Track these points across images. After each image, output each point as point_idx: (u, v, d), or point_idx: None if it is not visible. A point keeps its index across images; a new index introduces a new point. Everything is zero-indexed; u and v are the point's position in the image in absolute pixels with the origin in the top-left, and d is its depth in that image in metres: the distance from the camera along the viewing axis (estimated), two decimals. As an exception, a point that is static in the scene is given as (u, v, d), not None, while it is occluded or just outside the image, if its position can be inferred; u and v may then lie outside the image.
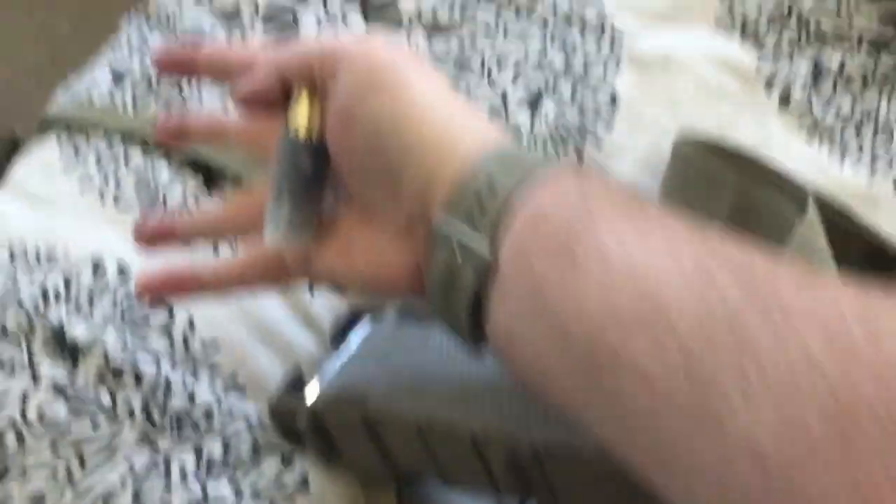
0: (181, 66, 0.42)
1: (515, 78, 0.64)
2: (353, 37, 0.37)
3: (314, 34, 0.66)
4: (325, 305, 0.53)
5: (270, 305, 0.52)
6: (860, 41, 0.68)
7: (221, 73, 0.41)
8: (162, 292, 0.42)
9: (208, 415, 0.48)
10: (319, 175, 0.38)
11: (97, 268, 0.53)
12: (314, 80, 0.36)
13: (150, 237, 0.43)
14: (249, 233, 0.40)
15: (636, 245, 0.27)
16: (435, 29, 0.67)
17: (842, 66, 0.66)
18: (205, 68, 0.42)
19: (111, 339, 0.49)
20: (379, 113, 0.34)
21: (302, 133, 0.37)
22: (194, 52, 0.41)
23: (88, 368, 0.48)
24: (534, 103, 0.62)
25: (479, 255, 0.30)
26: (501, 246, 0.30)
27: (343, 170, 0.37)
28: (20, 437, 0.46)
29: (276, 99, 0.38)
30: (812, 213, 0.45)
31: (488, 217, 0.30)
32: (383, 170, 0.34)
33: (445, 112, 0.34)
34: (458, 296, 0.31)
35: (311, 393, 0.46)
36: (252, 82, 0.39)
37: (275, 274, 0.40)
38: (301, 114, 0.37)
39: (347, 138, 0.35)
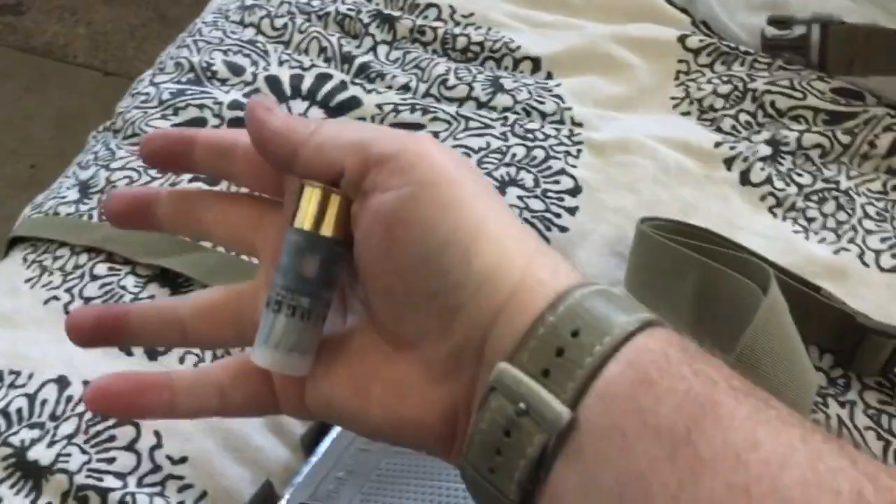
0: (174, 155, 0.34)
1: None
2: (397, 132, 0.30)
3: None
4: (295, 412, 0.52)
5: (239, 415, 0.52)
6: (815, 116, 0.69)
7: (222, 164, 0.34)
8: (119, 405, 0.32)
9: (176, 534, 0.46)
10: (331, 282, 0.31)
11: (62, 386, 0.52)
12: (340, 171, 0.30)
13: (87, 335, 0.33)
14: (229, 342, 0.34)
15: (778, 453, 0.22)
16: (397, 127, 0.68)
17: (799, 141, 0.67)
18: (202, 156, 0.33)
19: (75, 459, 0.48)
20: (440, 227, 0.28)
21: (312, 226, 0.30)
22: (192, 137, 0.34)
23: (52, 492, 0.47)
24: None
25: (551, 417, 0.24)
26: (585, 409, 0.24)
27: (376, 285, 0.29)
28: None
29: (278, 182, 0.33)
30: (775, 292, 0.45)
31: (570, 374, 0.25)
32: (434, 293, 0.28)
33: (516, 236, 0.28)
34: (511, 459, 0.25)
35: (283, 505, 0.45)
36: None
37: (259, 403, 0.32)
38: (313, 201, 0.30)
39: (392, 251, 0.28)
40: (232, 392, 0.32)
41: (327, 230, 0.30)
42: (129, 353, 0.54)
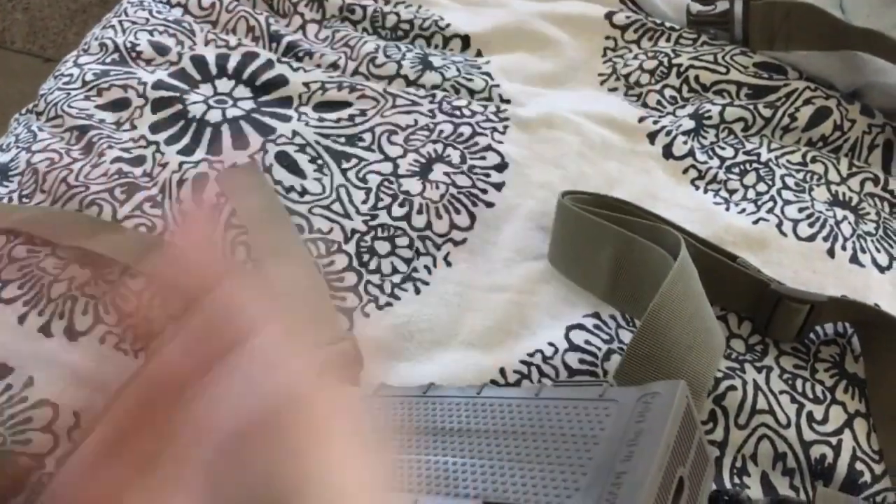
0: None
1: (405, 147, 0.65)
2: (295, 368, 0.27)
3: (201, 112, 0.66)
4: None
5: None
6: (739, 90, 0.71)
7: None
8: None
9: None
10: None
11: (-22, 370, 0.51)
12: None
13: None
14: None
15: None
16: (324, 105, 0.68)
17: (722, 114, 0.68)
18: None
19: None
20: (273, 475, 0.25)
21: None
22: None
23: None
24: (424, 171, 0.63)
25: None
26: None
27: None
28: None
29: None
30: (684, 258, 0.46)
31: None
32: None
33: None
34: None
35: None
36: None
37: None
38: None
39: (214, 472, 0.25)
40: None
41: None
42: (49, 335, 0.53)
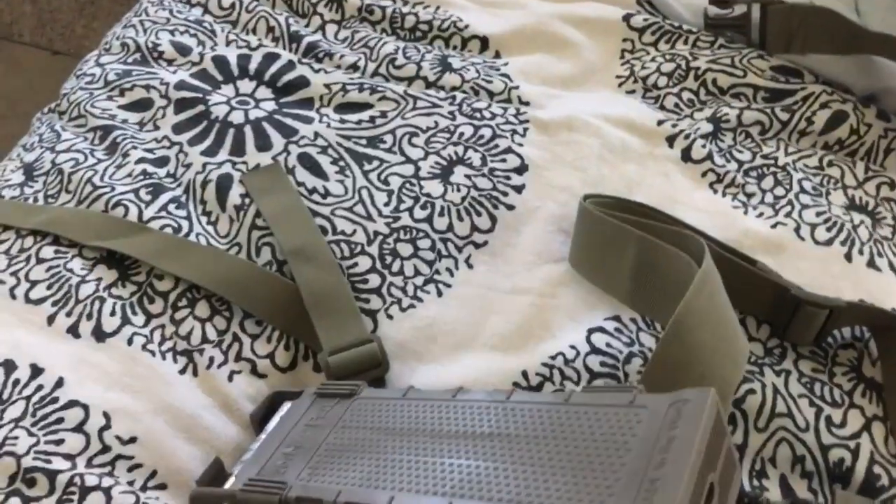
0: None
1: (426, 149, 0.65)
2: None
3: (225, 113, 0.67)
4: (245, 392, 0.53)
5: (189, 395, 0.52)
6: (756, 93, 0.71)
7: None
8: None
9: (127, 514, 0.47)
10: None
11: (8, 369, 0.52)
12: None
13: None
14: None
15: None
16: (345, 107, 0.69)
17: (739, 118, 0.69)
18: None
19: (22, 442, 0.48)
20: None
21: None
22: None
23: None
24: (446, 173, 0.64)
25: None
26: None
27: None
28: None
29: None
30: (708, 264, 0.47)
31: None
32: None
33: None
34: None
35: (232, 484, 0.45)
36: None
37: None
38: None
39: None
40: None
41: None
42: (77, 336, 0.54)
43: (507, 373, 0.53)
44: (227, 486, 0.45)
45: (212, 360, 0.54)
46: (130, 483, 0.48)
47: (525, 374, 0.53)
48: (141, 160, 0.64)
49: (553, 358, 0.53)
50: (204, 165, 0.63)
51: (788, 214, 0.63)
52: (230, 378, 0.53)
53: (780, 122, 0.69)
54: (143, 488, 0.48)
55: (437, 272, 0.59)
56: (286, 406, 0.50)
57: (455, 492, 0.38)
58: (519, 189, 0.64)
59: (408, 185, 0.63)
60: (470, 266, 0.59)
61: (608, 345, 0.54)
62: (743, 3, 0.75)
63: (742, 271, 0.55)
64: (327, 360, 0.51)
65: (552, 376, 0.53)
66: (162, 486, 0.49)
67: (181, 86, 0.69)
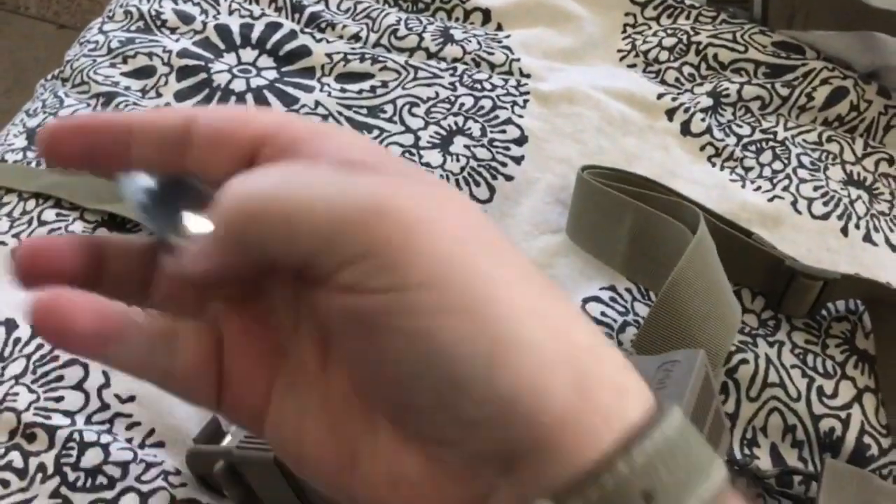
0: (99, 155, 0.25)
1: (426, 119, 0.66)
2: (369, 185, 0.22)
3: (225, 81, 0.67)
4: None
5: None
6: (756, 69, 0.71)
7: (171, 157, 0.25)
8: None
9: (124, 471, 0.48)
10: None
11: (9, 328, 0.53)
12: None
13: (34, 273, 0.24)
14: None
15: None
16: (347, 76, 0.69)
17: (740, 93, 0.69)
18: (144, 152, 0.25)
19: (23, 398, 0.49)
20: (445, 337, 0.20)
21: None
22: (127, 125, 0.25)
23: None
24: (445, 143, 0.64)
25: None
26: None
27: (364, 388, 0.23)
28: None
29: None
30: (703, 233, 0.47)
31: None
32: (442, 405, 0.21)
33: (548, 320, 0.22)
34: None
35: (229, 441, 0.46)
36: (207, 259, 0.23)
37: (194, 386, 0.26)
38: None
39: (383, 363, 0.22)
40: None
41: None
42: (78, 297, 0.55)
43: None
44: (224, 443, 0.46)
45: (210, 322, 0.54)
46: (129, 440, 0.49)
47: (520, 341, 0.53)
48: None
49: (548, 325, 0.54)
50: (205, 132, 0.64)
51: (786, 188, 0.63)
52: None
53: (781, 98, 0.69)
54: (141, 445, 0.49)
55: (435, 240, 0.59)
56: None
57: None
58: (518, 160, 0.64)
59: (407, 155, 0.63)
60: (468, 235, 0.60)
61: (603, 314, 0.55)
62: (746, -21, 0.75)
63: (737, 242, 0.55)
64: None
65: (547, 343, 0.53)
66: (160, 444, 0.49)
67: (184, 53, 0.69)
